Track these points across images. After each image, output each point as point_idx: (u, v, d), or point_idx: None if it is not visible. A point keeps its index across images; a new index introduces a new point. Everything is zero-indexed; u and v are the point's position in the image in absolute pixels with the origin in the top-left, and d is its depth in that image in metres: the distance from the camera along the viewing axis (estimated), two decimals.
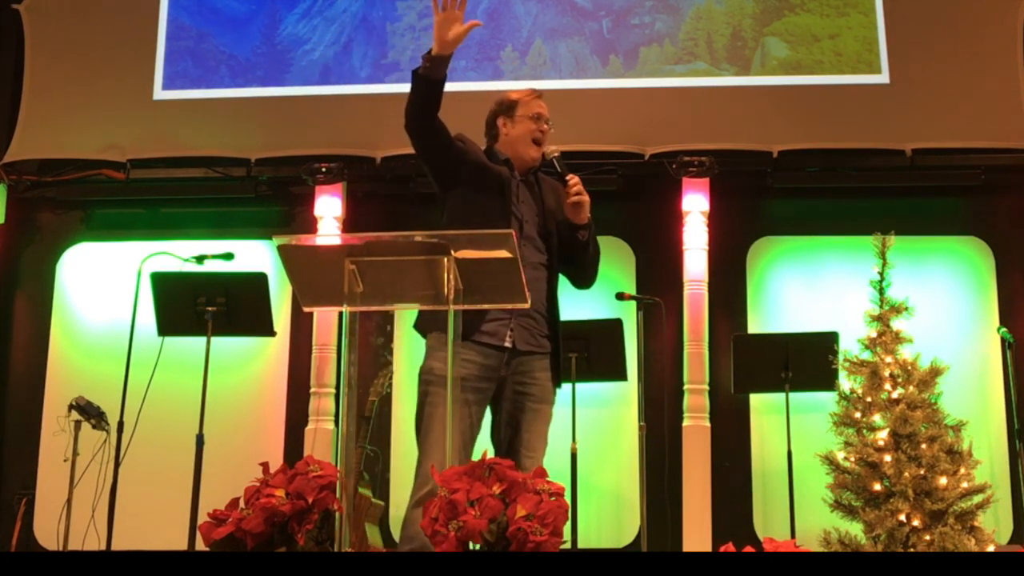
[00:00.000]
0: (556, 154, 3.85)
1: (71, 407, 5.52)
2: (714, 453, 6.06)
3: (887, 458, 4.78)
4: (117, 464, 5.24)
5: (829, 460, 4.94)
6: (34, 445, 6.38)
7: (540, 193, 3.90)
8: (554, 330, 3.78)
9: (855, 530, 4.82)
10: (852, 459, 4.86)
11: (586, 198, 3.80)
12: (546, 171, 3.93)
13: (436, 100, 3.73)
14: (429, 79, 3.68)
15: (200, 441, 5.12)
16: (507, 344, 3.69)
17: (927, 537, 4.65)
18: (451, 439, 3.33)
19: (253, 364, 6.45)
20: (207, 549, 3.07)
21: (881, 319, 5.07)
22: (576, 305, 6.17)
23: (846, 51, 6.37)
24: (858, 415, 4.94)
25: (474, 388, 3.63)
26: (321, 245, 3.92)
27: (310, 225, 6.44)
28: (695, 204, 6.29)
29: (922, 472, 4.75)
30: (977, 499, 4.77)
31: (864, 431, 4.90)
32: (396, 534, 5.10)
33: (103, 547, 5.30)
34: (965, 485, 4.76)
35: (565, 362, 4.28)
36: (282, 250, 3.45)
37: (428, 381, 3.66)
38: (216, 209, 6.70)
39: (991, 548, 4.72)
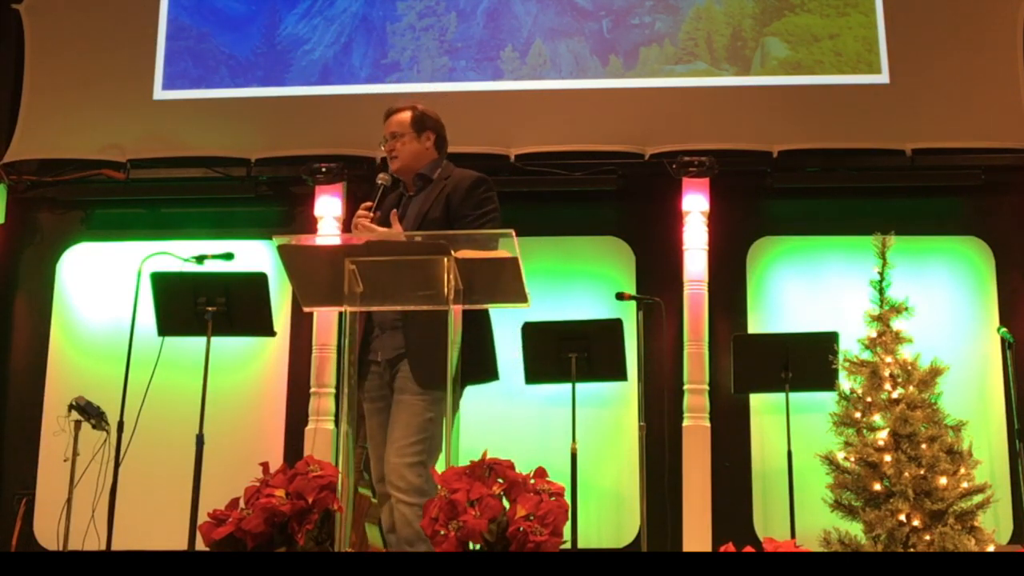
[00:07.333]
0: (381, 182, 3.91)
1: (71, 407, 5.51)
2: (714, 453, 6.06)
3: (887, 458, 4.77)
4: (117, 464, 5.24)
5: (829, 460, 4.93)
6: (34, 445, 6.38)
7: (426, 202, 3.92)
8: (413, 334, 3.76)
9: (855, 530, 4.82)
10: (852, 459, 4.86)
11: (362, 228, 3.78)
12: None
13: None
14: None
15: (200, 441, 5.12)
16: (377, 358, 3.83)
17: (927, 537, 4.65)
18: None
19: (253, 364, 6.45)
20: (207, 549, 3.07)
21: (881, 319, 5.07)
22: (576, 305, 6.22)
23: (846, 51, 6.37)
24: (858, 415, 4.94)
25: (375, 397, 3.85)
26: (321, 245, 3.93)
27: (310, 225, 6.44)
28: (695, 204, 6.28)
29: (922, 472, 4.75)
30: (977, 499, 4.76)
31: (864, 431, 4.90)
32: None
33: (103, 547, 5.30)
34: (965, 485, 4.76)
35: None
36: (282, 250, 3.46)
37: None
38: (216, 209, 6.70)
39: (991, 548, 4.72)
